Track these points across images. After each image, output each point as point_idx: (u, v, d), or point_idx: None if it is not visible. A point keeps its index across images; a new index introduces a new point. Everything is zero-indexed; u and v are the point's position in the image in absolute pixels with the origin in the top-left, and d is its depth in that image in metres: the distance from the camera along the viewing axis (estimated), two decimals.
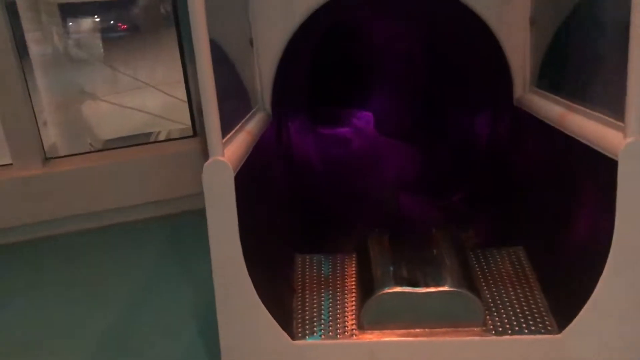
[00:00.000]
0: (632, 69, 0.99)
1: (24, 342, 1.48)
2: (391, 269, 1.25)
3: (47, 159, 2.03)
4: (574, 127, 1.21)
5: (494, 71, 1.64)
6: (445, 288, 1.17)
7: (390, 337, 1.17)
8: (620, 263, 1.07)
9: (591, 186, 1.20)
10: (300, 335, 1.20)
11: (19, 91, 1.91)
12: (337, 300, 1.30)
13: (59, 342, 1.46)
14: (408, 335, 1.17)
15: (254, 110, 1.61)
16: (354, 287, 1.35)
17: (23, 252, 1.99)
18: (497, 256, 1.43)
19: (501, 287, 1.31)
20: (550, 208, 1.38)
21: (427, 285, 1.18)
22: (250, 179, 1.25)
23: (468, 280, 1.23)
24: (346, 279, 1.38)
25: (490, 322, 1.19)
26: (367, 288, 1.25)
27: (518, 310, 1.22)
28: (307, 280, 1.39)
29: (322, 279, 1.39)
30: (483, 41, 1.59)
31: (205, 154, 2.08)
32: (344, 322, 1.23)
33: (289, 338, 1.17)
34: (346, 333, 1.20)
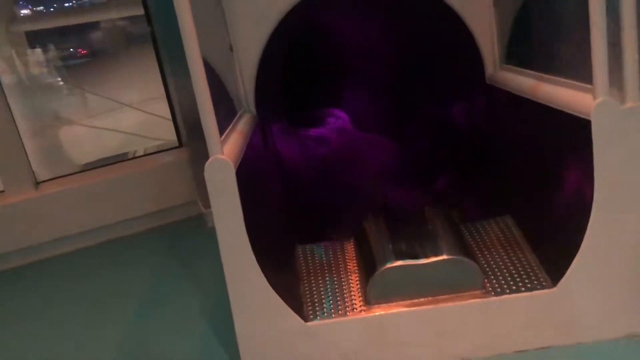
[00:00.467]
0: (595, 35, 1.07)
1: (45, 355, 1.51)
2: (390, 246, 1.31)
3: (38, 183, 2.05)
4: (547, 96, 1.29)
5: (463, 53, 1.72)
6: (444, 257, 1.24)
7: (397, 309, 1.23)
8: (603, 215, 1.15)
9: (568, 148, 1.28)
10: (311, 317, 1.26)
11: (5, 118, 1.94)
12: (342, 281, 1.36)
13: (79, 355, 1.50)
14: (414, 305, 1.23)
15: (240, 112, 1.67)
16: (355, 268, 1.41)
17: (24, 275, 2.01)
18: (487, 226, 1.51)
19: (494, 252, 1.39)
20: (532, 175, 1.46)
21: (426, 257, 1.25)
22: (247, 176, 1.31)
23: (464, 249, 1.31)
24: (347, 262, 1.45)
25: (488, 285, 1.26)
26: (369, 266, 1.31)
27: (513, 271, 1.30)
28: (311, 268, 1.45)
29: (325, 265, 1.45)
30: (450, 26, 1.66)
31: (193, 163, 2.13)
32: (352, 300, 1.29)
33: (302, 320, 1.23)
34: (355, 310, 1.26)
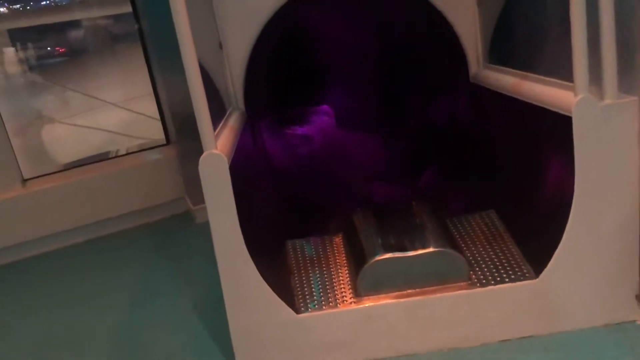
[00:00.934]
0: (575, 33, 1.12)
1: (39, 354, 1.52)
2: (379, 239, 1.35)
3: (25, 180, 2.05)
4: (529, 93, 1.34)
5: (447, 52, 1.76)
6: (431, 249, 1.28)
7: (386, 301, 1.27)
8: (583, 208, 1.20)
9: (550, 144, 1.32)
10: (303, 309, 1.29)
11: None
12: (332, 274, 1.40)
13: (75, 348, 1.51)
14: (402, 296, 1.27)
15: (229, 110, 1.69)
16: (345, 261, 1.44)
17: (12, 272, 2.01)
18: (472, 220, 1.55)
19: (479, 245, 1.43)
20: (515, 171, 1.51)
21: (414, 249, 1.28)
22: (239, 172, 1.33)
23: (450, 242, 1.35)
24: (337, 255, 1.48)
25: (474, 276, 1.30)
26: (358, 259, 1.34)
27: (498, 263, 1.34)
28: (301, 262, 1.47)
29: (315, 259, 1.48)
30: (434, 25, 1.70)
31: (182, 160, 2.14)
32: (342, 292, 1.32)
33: (294, 312, 1.26)
34: (345, 301, 1.29)
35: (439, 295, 1.26)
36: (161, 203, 2.18)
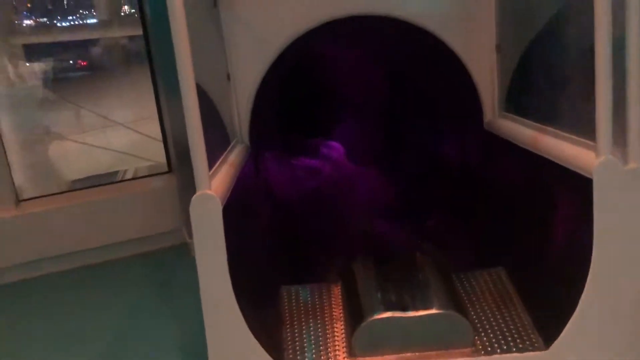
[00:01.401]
0: (599, 90, 1.05)
1: None
2: (379, 294, 1.26)
3: (19, 201, 1.99)
4: (547, 149, 1.26)
5: (461, 96, 1.70)
6: (434, 310, 1.19)
7: None
8: (600, 277, 1.11)
9: (567, 204, 1.24)
10: None
11: None
12: (327, 328, 1.31)
13: None
14: None
15: (233, 143, 1.63)
16: (341, 315, 1.35)
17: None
18: (480, 278, 1.46)
19: (486, 307, 1.34)
20: (527, 228, 1.42)
21: (416, 309, 1.19)
22: (235, 212, 1.26)
23: (455, 302, 1.25)
24: (333, 307, 1.39)
25: (479, 342, 1.21)
26: (356, 315, 1.25)
27: (505, 329, 1.25)
28: (295, 311, 1.39)
29: (310, 308, 1.39)
30: (450, 67, 1.64)
31: (181, 190, 2.08)
32: (335, 350, 1.23)
33: None
34: None
35: None
36: (158, 233, 2.11)
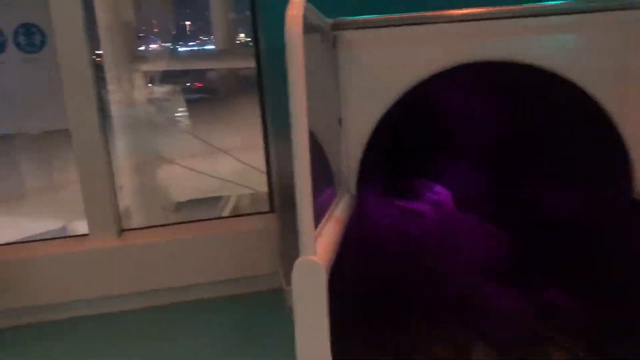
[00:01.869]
0: None
1: None
2: None
3: (122, 231, 1.99)
4: None
5: (608, 156, 1.49)
6: None
7: None
8: None
9: None
10: None
11: (104, 160, 1.90)
12: None
13: None
14: None
15: (339, 193, 1.52)
16: None
17: (94, 326, 1.93)
18: None
19: None
20: None
21: None
22: (337, 277, 1.13)
23: None
24: None
25: None
26: None
27: None
28: None
29: None
30: (596, 126, 1.44)
31: (280, 233, 1.99)
32: None
33: None
34: None
35: None
36: (254, 275, 2.04)
